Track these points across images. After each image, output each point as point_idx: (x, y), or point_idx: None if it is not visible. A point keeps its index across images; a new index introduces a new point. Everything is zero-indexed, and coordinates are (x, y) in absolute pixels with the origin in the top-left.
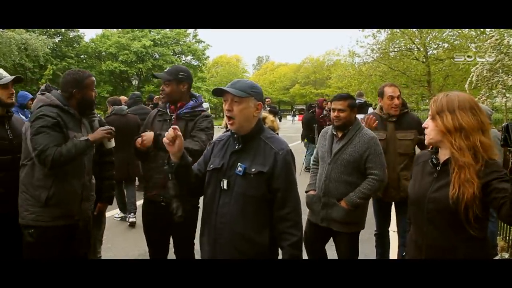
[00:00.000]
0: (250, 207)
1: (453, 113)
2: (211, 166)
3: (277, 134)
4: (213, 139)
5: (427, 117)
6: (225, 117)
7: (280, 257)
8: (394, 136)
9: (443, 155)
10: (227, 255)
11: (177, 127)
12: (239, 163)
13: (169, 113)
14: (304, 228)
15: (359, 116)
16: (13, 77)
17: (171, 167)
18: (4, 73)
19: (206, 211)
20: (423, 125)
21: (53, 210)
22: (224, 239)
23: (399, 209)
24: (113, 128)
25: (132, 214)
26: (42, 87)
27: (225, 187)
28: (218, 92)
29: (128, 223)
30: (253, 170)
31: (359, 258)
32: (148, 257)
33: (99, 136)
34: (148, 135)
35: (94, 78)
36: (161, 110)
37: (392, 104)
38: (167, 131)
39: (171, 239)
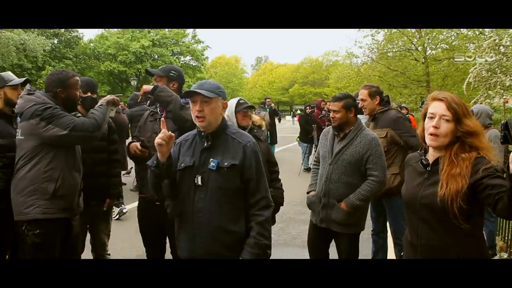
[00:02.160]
0: (225, 199)
1: (469, 117)
2: (182, 165)
3: (260, 128)
4: (178, 139)
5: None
6: (194, 117)
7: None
8: None
9: (432, 156)
10: (207, 247)
11: (165, 128)
12: (211, 159)
13: (159, 112)
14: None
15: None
16: (23, 79)
17: (160, 167)
18: (14, 76)
19: (182, 208)
20: (434, 125)
21: (59, 202)
22: (203, 232)
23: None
24: (116, 97)
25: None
26: (27, 86)
27: (199, 183)
28: (188, 95)
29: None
30: (225, 164)
31: (359, 258)
32: (146, 258)
33: (110, 98)
34: (135, 145)
35: (78, 78)
36: (152, 110)
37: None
38: (159, 130)
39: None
